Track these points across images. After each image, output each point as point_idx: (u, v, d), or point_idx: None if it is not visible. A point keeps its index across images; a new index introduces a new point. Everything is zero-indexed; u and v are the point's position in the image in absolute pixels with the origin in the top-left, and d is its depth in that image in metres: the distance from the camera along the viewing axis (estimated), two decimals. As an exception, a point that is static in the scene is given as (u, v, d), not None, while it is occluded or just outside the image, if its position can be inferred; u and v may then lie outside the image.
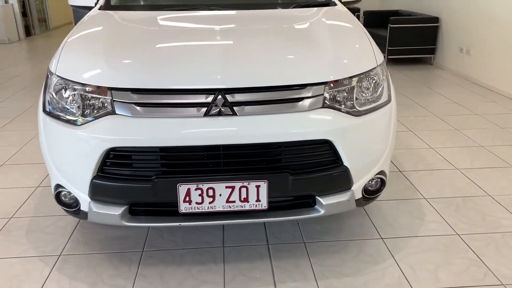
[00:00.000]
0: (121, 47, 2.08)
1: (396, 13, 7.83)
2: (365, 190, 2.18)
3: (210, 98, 1.85)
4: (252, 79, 1.88)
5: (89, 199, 1.97)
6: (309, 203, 2.05)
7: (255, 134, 1.84)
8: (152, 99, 1.87)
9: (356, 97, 2.02)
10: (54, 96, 1.98)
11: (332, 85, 1.97)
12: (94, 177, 1.91)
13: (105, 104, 1.89)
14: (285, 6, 2.80)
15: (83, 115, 1.92)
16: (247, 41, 2.15)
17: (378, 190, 2.25)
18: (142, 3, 3.07)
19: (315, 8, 2.78)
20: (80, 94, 1.93)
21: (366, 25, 7.78)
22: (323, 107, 1.93)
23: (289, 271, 2.21)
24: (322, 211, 2.04)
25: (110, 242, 2.45)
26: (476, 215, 2.69)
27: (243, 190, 1.91)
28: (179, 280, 2.16)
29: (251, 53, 2.02)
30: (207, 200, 1.91)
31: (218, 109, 1.84)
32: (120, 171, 1.91)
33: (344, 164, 1.98)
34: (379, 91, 2.11)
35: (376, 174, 2.16)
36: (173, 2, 2.95)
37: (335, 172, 1.98)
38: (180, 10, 2.71)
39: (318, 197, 2.02)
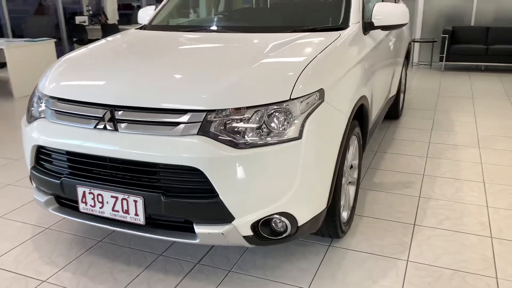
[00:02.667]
0: (81, 62, 2.43)
1: None
2: (263, 228, 2.03)
3: (102, 113, 2.04)
4: (134, 99, 2.00)
5: (34, 185, 2.39)
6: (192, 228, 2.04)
7: (129, 151, 1.96)
8: (64, 108, 2.17)
9: (246, 129, 1.92)
10: (30, 102, 2.45)
11: (217, 114, 1.92)
12: (31, 167, 2.32)
13: (44, 109, 2.28)
14: (293, 30, 2.70)
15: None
16: (167, 63, 2.24)
17: (282, 233, 2.06)
18: (176, 24, 3.38)
19: (311, 33, 2.64)
20: (40, 101, 2.35)
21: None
22: (199, 134, 1.91)
23: (187, 292, 2.23)
24: (198, 239, 2.01)
25: (86, 227, 2.84)
26: (449, 295, 2.16)
27: (124, 202, 2.04)
28: (98, 272, 2.40)
29: (152, 74, 2.12)
30: (98, 204, 2.11)
31: (104, 123, 2.02)
32: (47, 165, 2.27)
33: (218, 195, 1.91)
34: (284, 126, 1.95)
35: (274, 214, 2.00)
36: (200, 24, 3.18)
37: (206, 202, 1.93)
38: (199, 31, 2.92)
39: (194, 224, 2.00)
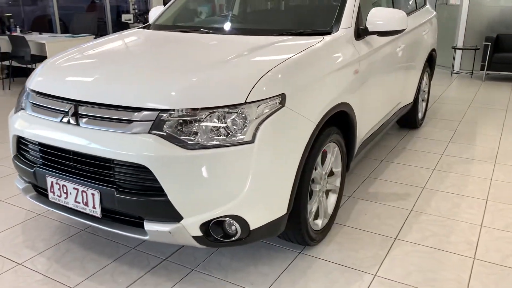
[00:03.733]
0: (66, 59, 2.53)
1: None
2: (215, 230, 2.04)
3: (68, 107, 2.13)
4: (95, 96, 2.07)
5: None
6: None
7: (86, 145, 2.03)
8: (38, 101, 2.29)
9: (198, 130, 1.94)
10: (20, 95, 2.58)
11: (171, 114, 1.95)
12: (14, 156, 2.46)
13: (25, 102, 2.41)
14: (281, 34, 2.68)
15: (23, 109, 2.48)
16: (138, 62, 2.30)
17: (233, 236, 2.06)
18: (177, 24, 3.43)
19: (295, 37, 2.61)
20: (25, 94, 2.49)
21: None
22: (151, 132, 1.95)
23: (143, 284, 2.28)
24: (147, 236, 2.05)
25: (76, 217, 2.97)
26: (406, 314, 2.07)
27: (84, 194, 2.12)
28: (70, 259, 2.50)
29: (117, 73, 2.18)
30: (63, 195, 2.20)
31: (68, 118, 2.11)
32: (26, 155, 2.40)
33: (165, 193, 1.94)
34: (237, 129, 1.95)
35: (224, 217, 2.00)
36: (196, 25, 3.23)
37: (154, 200, 1.96)
38: (191, 32, 2.96)
39: (145, 221, 2.04)
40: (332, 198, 2.77)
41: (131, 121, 1.98)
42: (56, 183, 2.20)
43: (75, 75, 2.26)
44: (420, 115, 4.85)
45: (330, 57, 2.50)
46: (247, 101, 1.98)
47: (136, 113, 1.98)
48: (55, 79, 2.31)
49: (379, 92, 3.23)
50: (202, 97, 1.99)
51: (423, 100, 4.96)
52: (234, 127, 1.96)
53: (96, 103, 2.07)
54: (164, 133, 1.95)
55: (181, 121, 1.96)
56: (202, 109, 1.96)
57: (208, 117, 1.96)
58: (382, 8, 2.87)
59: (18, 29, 7.71)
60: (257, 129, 1.97)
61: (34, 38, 7.02)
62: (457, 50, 8.12)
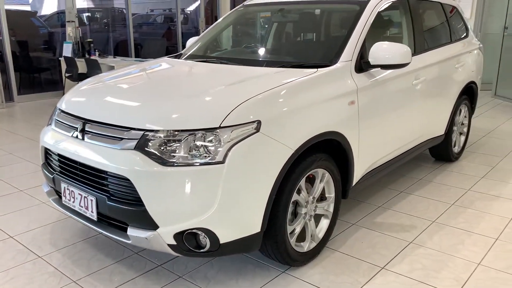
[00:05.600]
0: (90, 83, 2.95)
1: None
2: (188, 240, 2.27)
3: (78, 124, 2.51)
4: (96, 115, 2.44)
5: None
6: (132, 229, 2.36)
7: (86, 157, 2.38)
8: (60, 118, 2.69)
9: (176, 149, 2.20)
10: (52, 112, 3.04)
11: (154, 134, 2.23)
12: (42, 164, 2.89)
13: (53, 118, 2.84)
14: (281, 65, 2.92)
15: (56, 124, 2.92)
16: (140, 88, 2.66)
17: (203, 247, 2.28)
18: (199, 54, 3.76)
19: (290, 69, 2.82)
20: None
21: None
22: (135, 149, 2.24)
23: (134, 284, 2.55)
24: (130, 240, 2.33)
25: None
26: None
27: (85, 199, 2.46)
28: (80, 257, 2.85)
29: (119, 96, 2.54)
30: (71, 199, 2.56)
31: (77, 133, 2.49)
32: (50, 163, 2.82)
33: (143, 203, 2.21)
34: (210, 150, 2.18)
35: (195, 229, 2.22)
36: (212, 55, 3.54)
37: (134, 209, 2.24)
38: (205, 62, 3.29)
39: (128, 227, 2.32)
40: (324, 223, 2.88)
41: (121, 139, 2.30)
42: (67, 189, 2.57)
43: (88, 97, 2.66)
44: (456, 148, 4.74)
45: (318, 88, 2.65)
46: (221, 125, 2.21)
47: (125, 132, 2.30)
48: (75, 100, 2.72)
49: (388, 124, 3.28)
50: (182, 120, 2.25)
51: (461, 134, 4.84)
52: (209, 148, 2.20)
53: (97, 121, 2.42)
54: (147, 151, 2.23)
55: (163, 140, 2.23)
56: (182, 131, 2.22)
57: (186, 138, 2.21)
58: (385, 42, 2.97)
59: (97, 53, 8.62)
60: (229, 150, 2.19)
61: (106, 61, 7.82)
62: (523, 83, 7.70)
